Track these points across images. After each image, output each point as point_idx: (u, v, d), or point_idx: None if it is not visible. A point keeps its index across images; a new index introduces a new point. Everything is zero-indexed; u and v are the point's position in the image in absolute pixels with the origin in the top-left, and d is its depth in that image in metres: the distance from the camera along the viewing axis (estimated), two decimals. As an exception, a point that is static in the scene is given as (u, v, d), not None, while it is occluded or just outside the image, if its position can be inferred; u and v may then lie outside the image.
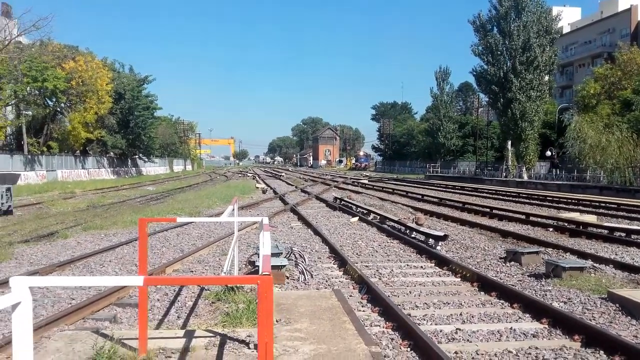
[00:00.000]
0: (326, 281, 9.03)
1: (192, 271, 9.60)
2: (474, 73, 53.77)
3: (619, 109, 42.87)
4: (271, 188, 36.29)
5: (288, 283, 8.80)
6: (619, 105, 43.76)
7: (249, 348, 5.04)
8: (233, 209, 8.45)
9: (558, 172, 45.72)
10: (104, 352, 4.71)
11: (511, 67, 49.39)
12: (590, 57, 72.33)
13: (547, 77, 52.81)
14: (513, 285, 8.64)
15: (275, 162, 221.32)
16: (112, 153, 61.34)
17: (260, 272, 2.70)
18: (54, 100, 48.15)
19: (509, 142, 51.72)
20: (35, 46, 45.68)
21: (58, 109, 51.30)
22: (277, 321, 6.02)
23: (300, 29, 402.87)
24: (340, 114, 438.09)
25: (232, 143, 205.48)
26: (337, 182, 46.84)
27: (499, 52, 50.35)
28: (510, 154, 51.85)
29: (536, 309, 7.06)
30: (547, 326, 6.55)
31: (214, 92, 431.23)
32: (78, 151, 55.09)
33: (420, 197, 28.74)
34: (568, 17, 78.96)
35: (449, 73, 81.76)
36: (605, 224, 15.43)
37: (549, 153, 53.28)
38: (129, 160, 68.00)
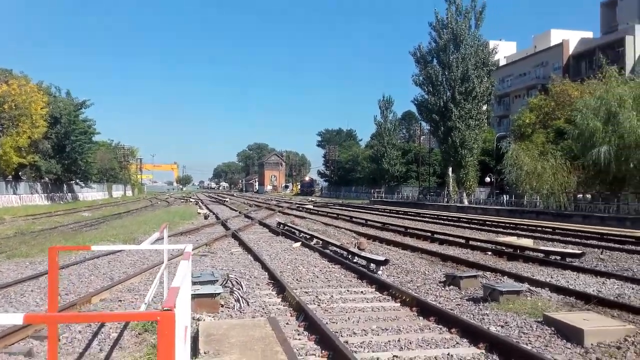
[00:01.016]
0: (263, 309, 8.70)
1: (120, 300, 9.06)
2: (416, 102, 54.96)
3: (553, 138, 44.60)
4: (214, 213, 35.59)
5: (222, 312, 8.41)
6: (553, 134, 45.54)
7: (171, 383, 4.66)
8: (162, 236, 8.02)
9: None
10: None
11: (451, 96, 50.77)
12: (526, 89, 75.37)
13: (485, 107, 54.57)
14: (452, 310, 8.57)
15: (221, 188, 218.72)
16: (46, 178, 58.83)
17: (162, 307, 2.41)
18: (-16, 124, 46.00)
19: (450, 169, 52.92)
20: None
21: (-11, 133, 48.95)
22: (205, 353, 5.67)
23: (246, 56, 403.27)
24: (286, 140, 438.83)
25: (175, 168, 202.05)
26: (281, 207, 46.47)
27: (439, 83, 51.73)
28: (451, 180, 53.01)
29: (473, 334, 6.98)
30: (484, 351, 6.47)
31: (157, 118, 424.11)
32: (10, 176, 52.56)
33: (364, 222, 28.78)
34: (504, 51, 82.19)
35: (392, 102, 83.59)
36: (542, 248, 15.75)
37: (488, 179, 54.84)
38: (65, 186, 65.36)
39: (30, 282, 10.42)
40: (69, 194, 66.33)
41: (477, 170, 53.73)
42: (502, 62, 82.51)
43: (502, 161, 41.32)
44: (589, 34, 72.90)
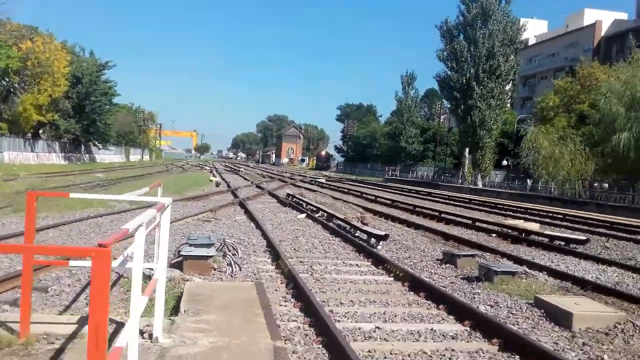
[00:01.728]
0: (255, 274, 8.71)
1: (114, 257, 9.13)
2: (438, 78, 54.25)
3: (575, 122, 43.77)
4: (226, 182, 35.75)
5: (214, 275, 8.44)
6: (575, 119, 44.67)
7: (143, 338, 4.70)
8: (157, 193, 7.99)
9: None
10: (-21, 336, 4.32)
11: (474, 74, 49.93)
12: (553, 70, 73.18)
13: (508, 87, 53.61)
14: (444, 287, 8.50)
15: (238, 158, 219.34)
16: (65, 138, 59.46)
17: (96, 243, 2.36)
18: (6, 80, 46.31)
19: (467, 149, 52.39)
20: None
21: (10, 89, 49.39)
22: (184, 311, 5.69)
23: (269, 26, 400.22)
24: (306, 112, 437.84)
25: (194, 136, 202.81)
26: (294, 180, 46.51)
27: (463, 59, 50.84)
28: (467, 161, 52.52)
29: (460, 311, 6.89)
30: (468, 328, 6.39)
31: (178, 84, 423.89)
32: (29, 134, 53.21)
33: (373, 198, 28.68)
34: (535, 30, 79.75)
35: (414, 78, 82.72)
36: (547, 232, 15.55)
37: (505, 162, 54.21)
38: (83, 147, 66.04)
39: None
40: (87, 155, 67.06)
41: (495, 152, 53.11)
42: (532, 42, 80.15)
43: (521, 144, 40.72)
44: (624, 16, 70.55)
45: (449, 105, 60.61)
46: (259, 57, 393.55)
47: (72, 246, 7.64)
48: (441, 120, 77.63)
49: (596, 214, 25.78)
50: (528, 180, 46.79)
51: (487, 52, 49.16)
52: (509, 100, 55.33)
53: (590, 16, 71.84)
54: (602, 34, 67.24)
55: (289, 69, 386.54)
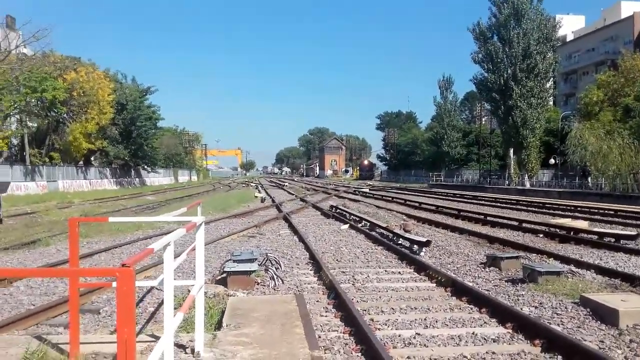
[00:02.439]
0: (297, 287, 8.85)
1: (154, 277, 9.46)
2: (475, 81, 53.71)
3: (621, 116, 42.45)
4: (270, 197, 36.19)
5: (257, 289, 8.63)
6: (621, 112, 43.33)
7: (185, 352, 4.90)
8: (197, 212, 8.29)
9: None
10: (34, 356, 4.61)
11: (511, 74, 49.15)
12: (594, 65, 71.83)
13: (548, 84, 52.49)
14: (487, 291, 8.44)
15: (283, 173, 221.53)
16: (115, 163, 61.52)
17: (120, 264, 2.54)
18: (55, 111, 48.39)
19: (511, 150, 51.47)
20: (37, 57, 45.94)
21: (60, 120, 51.55)
22: (226, 326, 5.87)
23: (307, 40, 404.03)
24: (347, 124, 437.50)
25: (239, 154, 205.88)
26: (338, 191, 46.63)
27: (499, 60, 50.18)
28: (512, 162, 51.55)
29: (503, 314, 6.85)
30: (510, 331, 6.35)
31: (220, 103, 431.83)
32: (81, 162, 55.30)
33: (417, 205, 28.49)
34: (572, 25, 78.56)
35: (452, 82, 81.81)
36: (596, 230, 15.16)
37: (552, 161, 52.91)
38: (132, 171, 68.10)
39: (82, 261, 10.98)
40: (137, 179, 69.09)
41: (540, 151, 51.97)
42: (570, 37, 78.91)
43: (566, 141, 39.72)
44: (661, 4, 68.68)
45: (489, 107, 59.78)
46: (297, 71, 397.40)
47: (101, 267, 8.09)
48: (483, 122, 76.35)
49: (650, 208, 24.84)
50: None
51: (523, 52, 48.38)
52: (551, 98, 54.16)
53: (627, 8, 70.64)
54: (641, 25, 65.76)
55: (328, 81, 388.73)
